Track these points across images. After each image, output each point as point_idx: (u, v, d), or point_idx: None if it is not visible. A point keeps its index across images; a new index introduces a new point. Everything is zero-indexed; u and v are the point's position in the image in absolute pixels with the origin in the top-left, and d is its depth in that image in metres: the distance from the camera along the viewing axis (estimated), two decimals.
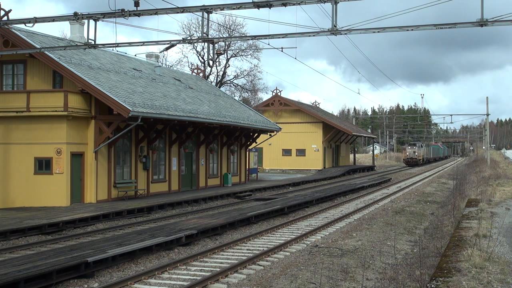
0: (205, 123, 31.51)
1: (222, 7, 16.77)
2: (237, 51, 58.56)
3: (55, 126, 23.96)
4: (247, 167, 42.07)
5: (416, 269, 11.92)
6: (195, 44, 54.64)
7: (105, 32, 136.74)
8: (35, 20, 18.55)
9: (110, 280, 11.98)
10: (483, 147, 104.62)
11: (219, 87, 56.30)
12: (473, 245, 12.48)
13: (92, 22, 18.07)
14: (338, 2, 16.07)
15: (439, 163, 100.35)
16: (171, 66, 55.52)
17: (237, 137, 38.62)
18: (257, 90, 62.37)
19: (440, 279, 9.81)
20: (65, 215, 20.24)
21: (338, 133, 62.83)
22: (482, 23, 15.39)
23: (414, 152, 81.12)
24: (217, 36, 50.44)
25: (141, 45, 19.36)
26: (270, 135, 44.61)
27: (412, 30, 16.29)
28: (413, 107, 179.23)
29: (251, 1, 16.37)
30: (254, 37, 19.36)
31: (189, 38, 26.29)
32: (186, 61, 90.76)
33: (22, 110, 24.13)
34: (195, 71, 46.80)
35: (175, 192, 30.72)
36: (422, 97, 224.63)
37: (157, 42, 18.70)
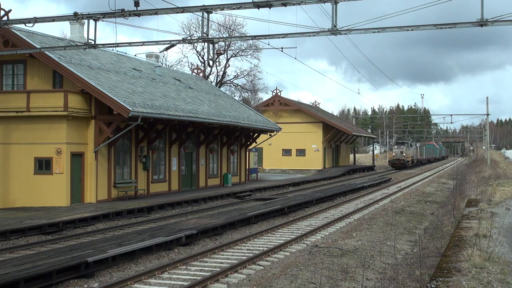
0: (205, 123, 31.52)
1: (222, 7, 16.78)
2: (237, 51, 58.55)
3: (55, 126, 23.96)
4: (247, 167, 42.07)
5: (416, 269, 11.92)
6: (195, 44, 54.62)
7: (105, 32, 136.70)
8: (35, 20, 18.56)
9: (110, 280, 11.98)
10: (483, 147, 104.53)
11: (219, 87, 56.26)
12: (473, 245, 12.48)
13: (92, 22, 18.09)
14: (338, 2, 16.07)
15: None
16: (171, 66, 55.50)
17: (237, 137, 38.62)
18: (257, 90, 62.36)
19: (440, 279, 9.80)
20: (65, 215, 20.24)
21: (338, 133, 62.84)
22: (482, 23, 15.40)
23: (402, 152, 70.82)
24: (217, 36, 50.42)
25: (141, 45, 19.38)
26: (270, 135, 44.60)
27: (412, 30, 16.30)
28: (413, 107, 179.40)
29: (251, 1, 16.38)
30: (254, 37, 19.37)
31: (189, 38, 26.32)
32: (186, 61, 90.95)
33: (22, 110, 24.13)
34: (195, 71, 46.78)
35: (175, 192, 30.72)
36: (422, 97, 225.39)
37: (157, 42, 18.71)
